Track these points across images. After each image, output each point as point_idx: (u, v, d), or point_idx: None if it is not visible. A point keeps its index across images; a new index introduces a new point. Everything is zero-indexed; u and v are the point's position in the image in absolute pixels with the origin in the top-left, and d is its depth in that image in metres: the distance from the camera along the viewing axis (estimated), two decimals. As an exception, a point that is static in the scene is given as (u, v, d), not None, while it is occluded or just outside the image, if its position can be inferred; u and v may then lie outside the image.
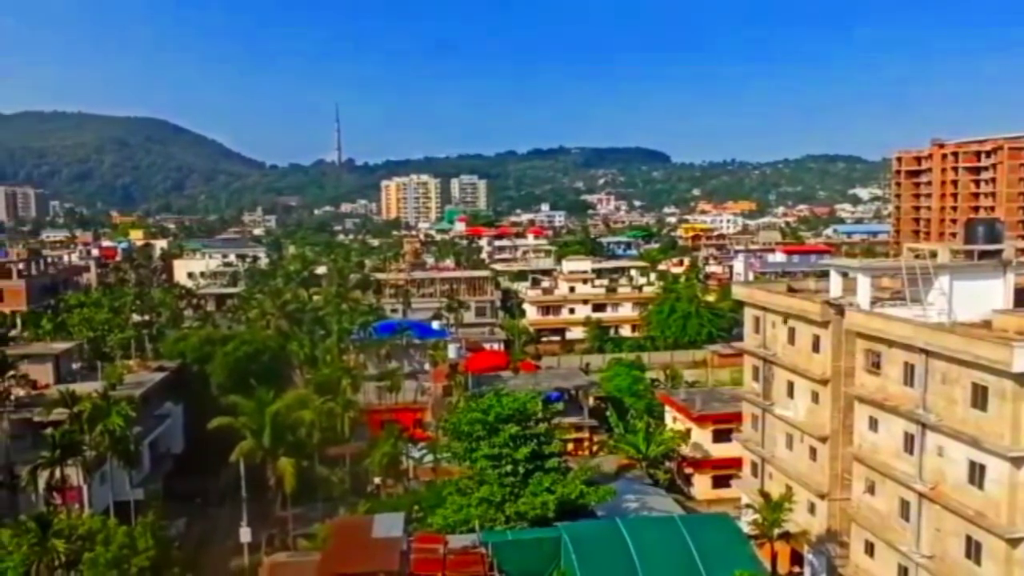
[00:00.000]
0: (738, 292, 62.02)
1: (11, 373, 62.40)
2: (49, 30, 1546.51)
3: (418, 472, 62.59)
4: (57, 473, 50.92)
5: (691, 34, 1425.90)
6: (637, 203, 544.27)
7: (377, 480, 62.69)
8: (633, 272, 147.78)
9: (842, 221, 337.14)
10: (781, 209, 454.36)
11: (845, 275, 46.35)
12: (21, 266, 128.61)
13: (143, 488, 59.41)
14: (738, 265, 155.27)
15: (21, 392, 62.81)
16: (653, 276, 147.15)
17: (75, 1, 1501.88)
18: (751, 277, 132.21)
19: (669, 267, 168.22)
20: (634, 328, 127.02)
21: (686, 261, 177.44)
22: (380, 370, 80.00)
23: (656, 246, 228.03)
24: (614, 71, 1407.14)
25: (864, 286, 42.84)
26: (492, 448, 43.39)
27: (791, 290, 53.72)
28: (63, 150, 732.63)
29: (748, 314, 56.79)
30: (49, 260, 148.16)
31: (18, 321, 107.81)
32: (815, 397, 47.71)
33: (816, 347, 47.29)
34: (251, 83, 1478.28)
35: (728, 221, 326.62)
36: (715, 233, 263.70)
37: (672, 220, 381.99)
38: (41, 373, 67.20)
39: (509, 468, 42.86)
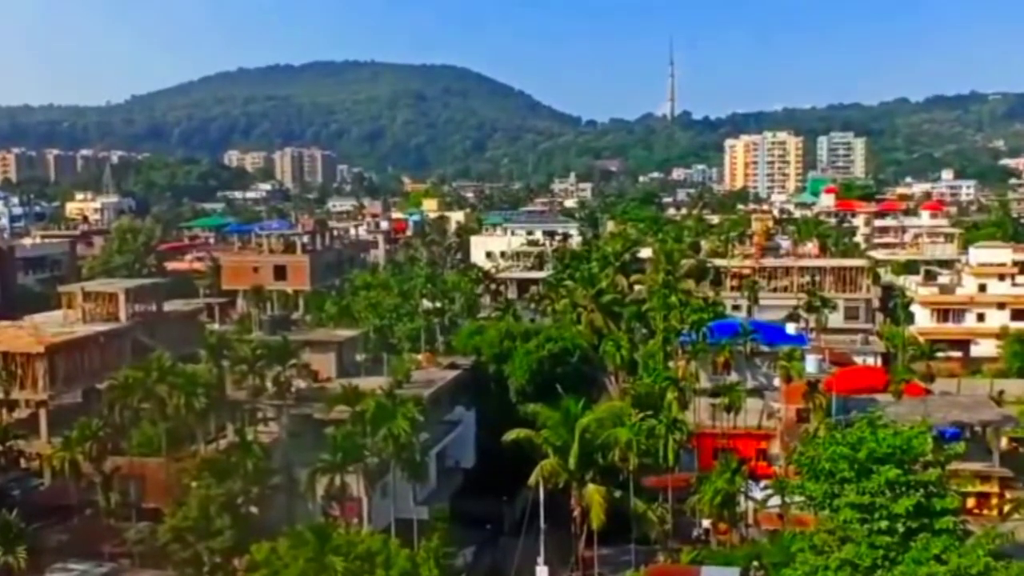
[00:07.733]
0: None
1: (292, 362, 69.06)
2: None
3: (760, 518, 61.96)
4: (337, 480, 56.44)
5: None
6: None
7: (706, 523, 62.84)
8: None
9: None
10: None
11: None
12: (306, 239, 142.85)
13: (428, 506, 63.65)
14: None
15: (302, 384, 69.61)
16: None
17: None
18: None
19: None
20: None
21: None
22: (716, 383, 79.72)
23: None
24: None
25: None
26: (862, 495, 41.73)
27: None
28: (353, 106, 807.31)
29: None
30: (335, 234, 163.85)
31: (300, 302, 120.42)
32: None
33: None
34: (566, 22, 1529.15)
35: None
36: None
37: None
38: (323, 363, 73.84)
39: (884, 524, 40.99)
